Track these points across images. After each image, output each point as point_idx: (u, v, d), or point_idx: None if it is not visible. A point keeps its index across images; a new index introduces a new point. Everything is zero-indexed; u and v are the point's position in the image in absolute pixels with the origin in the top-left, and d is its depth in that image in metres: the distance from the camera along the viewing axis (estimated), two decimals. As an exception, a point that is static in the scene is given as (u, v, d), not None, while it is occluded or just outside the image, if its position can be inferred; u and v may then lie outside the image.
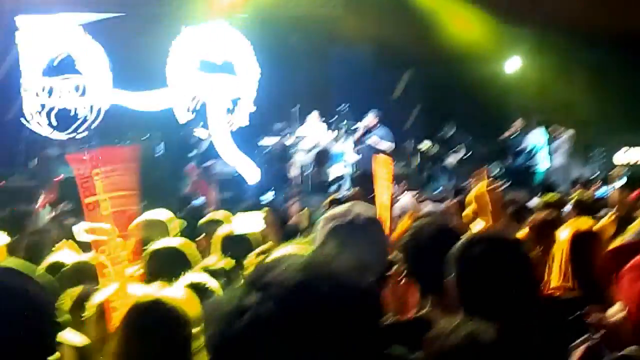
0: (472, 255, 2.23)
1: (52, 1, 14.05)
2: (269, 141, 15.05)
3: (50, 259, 3.95)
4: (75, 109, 12.92)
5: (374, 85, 16.75)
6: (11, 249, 4.89)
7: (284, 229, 4.88)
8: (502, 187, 5.15)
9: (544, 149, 14.72)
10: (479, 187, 5.09)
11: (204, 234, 5.19)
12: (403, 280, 2.55)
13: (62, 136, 12.95)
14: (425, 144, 14.89)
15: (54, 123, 12.79)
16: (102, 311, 2.86)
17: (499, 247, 2.27)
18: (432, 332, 1.80)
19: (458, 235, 3.04)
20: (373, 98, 15.47)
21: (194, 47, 13.63)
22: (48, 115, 12.79)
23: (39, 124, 12.67)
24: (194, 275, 3.11)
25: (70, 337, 2.68)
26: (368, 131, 14.14)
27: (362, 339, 1.16)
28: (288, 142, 14.45)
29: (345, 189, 13.44)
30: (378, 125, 14.13)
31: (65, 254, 4.17)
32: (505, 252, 2.26)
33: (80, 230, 4.46)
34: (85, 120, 12.88)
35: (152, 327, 2.35)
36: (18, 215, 7.30)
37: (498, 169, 14.46)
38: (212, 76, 13.94)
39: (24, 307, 1.68)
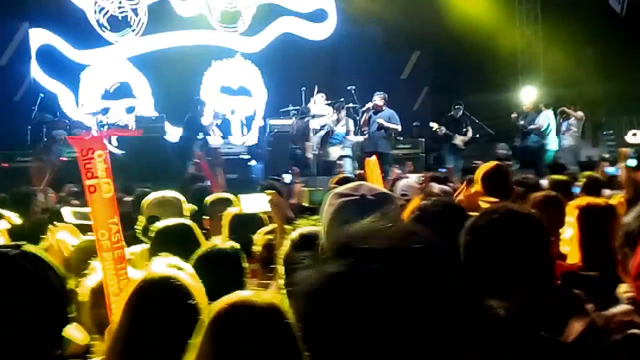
0: (486, 227, 2.16)
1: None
2: (277, 122, 15.00)
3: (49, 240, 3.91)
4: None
5: (382, 66, 16.64)
6: (15, 230, 4.89)
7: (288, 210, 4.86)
8: (511, 167, 5.09)
9: (553, 130, 14.61)
10: (485, 166, 5.02)
11: (207, 216, 5.16)
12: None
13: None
14: (433, 125, 14.79)
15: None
16: (98, 297, 2.81)
17: (513, 219, 2.20)
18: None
19: (465, 213, 2.99)
20: (380, 79, 15.36)
21: (219, 76, 16.40)
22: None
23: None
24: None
25: (74, 333, 2.63)
26: (375, 112, 14.05)
27: (456, 297, 1.17)
28: (303, 124, 14.45)
29: (347, 171, 13.41)
30: (385, 107, 14.04)
31: (64, 236, 4.12)
32: (520, 224, 2.19)
33: (68, 214, 4.43)
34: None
35: (163, 302, 2.32)
36: (22, 196, 7.27)
37: (505, 150, 14.36)
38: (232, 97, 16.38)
39: (42, 296, 1.64)
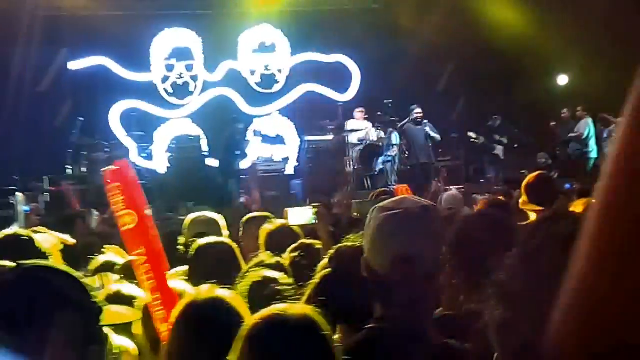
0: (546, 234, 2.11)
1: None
2: (316, 137, 15.04)
3: (99, 259, 3.96)
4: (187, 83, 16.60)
5: (417, 79, 16.60)
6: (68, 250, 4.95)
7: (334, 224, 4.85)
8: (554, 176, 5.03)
9: (593, 137, 14.42)
10: (529, 176, 4.98)
11: (241, 232, 5.15)
12: (451, 273, 2.49)
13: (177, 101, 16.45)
14: (471, 135, 14.71)
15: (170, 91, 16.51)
16: (149, 313, 2.84)
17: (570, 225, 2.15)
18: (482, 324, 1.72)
19: (510, 226, 2.95)
20: (416, 92, 15.33)
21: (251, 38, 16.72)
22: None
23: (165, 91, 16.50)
24: (262, 271, 3.09)
25: (124, 342, 2.66)
26: (415, 124, 14.07)
27: None
28: (341, 139, 14.45)
29: (391, 183, 13.40)
30: (421, 121, 14.09)
31: (112, 256, 4.17)
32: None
33: None
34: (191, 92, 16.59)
35: (212, 323, 2.33)
36: (67, 218, 7.38)
37: (544, 160, 14.20)
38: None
39: (69, 309, 1.63)
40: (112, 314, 1.75)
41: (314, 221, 3.95)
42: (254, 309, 2.46)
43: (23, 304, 1.54)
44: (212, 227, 4.71)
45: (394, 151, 14.35)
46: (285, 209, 4.32)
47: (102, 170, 3.56)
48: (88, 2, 15.27)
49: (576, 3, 15.93)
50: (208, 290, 2.48)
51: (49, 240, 3.71)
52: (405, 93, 15.52)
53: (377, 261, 2.17)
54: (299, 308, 1.99)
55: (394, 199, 2.28)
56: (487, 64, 16.05)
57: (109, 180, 3.20)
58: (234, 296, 2.49)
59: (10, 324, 1.51)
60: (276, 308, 1.98)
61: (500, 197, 6.25)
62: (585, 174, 13.07)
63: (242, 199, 12.20)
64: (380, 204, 2.23)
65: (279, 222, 4.60)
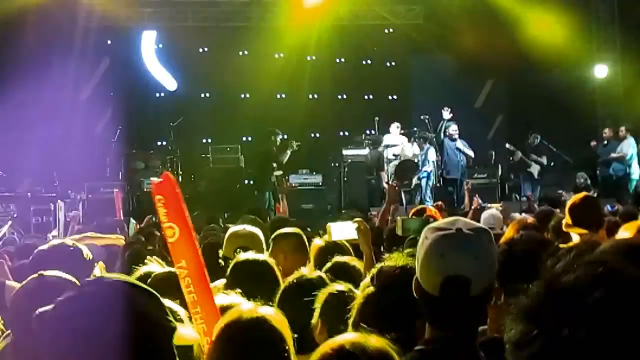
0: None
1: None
2: (350, 152, 15.03)
3: (142, 269, 3.97)
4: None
5: (455, 95, 16.54)
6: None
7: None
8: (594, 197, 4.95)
9: (635, 158, 14.18)
10: (574, 197, 4.90)
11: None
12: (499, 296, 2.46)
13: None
14: (509, 147, 14.64)
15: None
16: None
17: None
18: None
19: (555, 247, 2.91)
20: (454, 108, 15.25)
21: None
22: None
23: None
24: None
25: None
26: (451, 140, 14.06)
27: None
28: (377, 153, 14.43)
29: (426, 200, 13.35)
30: (455, 138, 14.08)
31: (154, 267, 4.18)
32: None
33: None
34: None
35: (256, 344, 2.33)
36: (106, 227, 7.45)
37: (583, 180, 14.00)
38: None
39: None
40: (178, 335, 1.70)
41: (356, 236, 3.92)
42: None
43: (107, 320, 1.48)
44: (252, 241, 4.70)
45: (430, 167, 14.29)
46: (328, 224, 4.28)
47: (145, 180, 3.60)
48: (132, 13, 15.49)
49: (621, 20, 15.78)
50: (251, 309, 2.46)
51: (93, 250, 3.74)
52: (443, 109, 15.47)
53: (429, 282, 2.14)
54: (376, 341, 1.86)
55: (447, 219, 2.27)
56: (527, 81, 15.93)
57: (154, 193, 3.21)
58: (277, 316, 2.47)
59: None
60: (350, 339, 1.89)
61: (535, 218, 6.16)
62: (626, 196, 12.86)
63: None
64: (433, 224, 2.22)
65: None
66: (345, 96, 17.13)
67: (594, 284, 1.14)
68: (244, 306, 2.52)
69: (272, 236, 5.12)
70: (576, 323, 1.10)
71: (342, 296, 2.90)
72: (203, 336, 2.71)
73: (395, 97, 17.32)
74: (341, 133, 16.22)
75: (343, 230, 4.09)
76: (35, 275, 2.83)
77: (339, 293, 2.94)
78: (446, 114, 14.20)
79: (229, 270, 3.77)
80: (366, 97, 17.08)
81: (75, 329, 1.47)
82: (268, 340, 2.34)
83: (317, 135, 16.93)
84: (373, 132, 15.16)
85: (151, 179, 3.60)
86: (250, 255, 3.89)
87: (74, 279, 2.77)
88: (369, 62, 17.14)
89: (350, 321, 2.60)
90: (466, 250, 2.10)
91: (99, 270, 3.56)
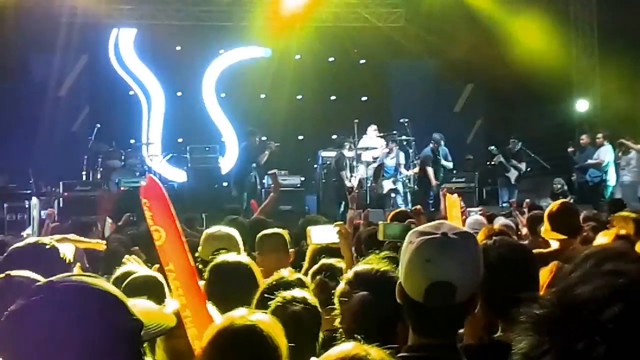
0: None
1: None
2: (328, 153, 15.00)
3: (121, 269, 3.90)
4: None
5: (435, 99, 16.57)
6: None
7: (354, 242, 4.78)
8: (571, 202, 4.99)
9: (612, 164, 14.30)
10: (552, 206, 4.90)
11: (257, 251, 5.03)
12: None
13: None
14: (492, 149, 14.69)
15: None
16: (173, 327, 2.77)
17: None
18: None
19: (531, 255, 2.91)
20: (433, 111, 15.31)
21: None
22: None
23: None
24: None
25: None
26: (432, 150, 14.11)
27: None
28: (348, 154, 14.36)
29: (399, 204, 13.36)
30: (440, 145, 14.10)
31: (135, 266, 4.11)
32: None
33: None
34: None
35: (247, 352, 2.29)
36: (82, 225, 7.38)
37: (560, 186, 14.08)
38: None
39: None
40: (145, 312, 1.64)
41: (336, 240, 3.89)
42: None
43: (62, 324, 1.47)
44: (229, 243, 4.64)
45: (407, 172, 14.31)
46: (308, 227, 4.23)
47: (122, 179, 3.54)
48: (111, 11, 15.35)
49: (600, 27, 15.90)
50: (243, 316, 2.41)
51: (70, 249, 3.65)
52: (422, 112, 15.49)
53: (413, 287, 2.10)
54: (376, 354, 1.83)
55: (432, 223, 2.22)
56: (507, 86, 16.01)
57: (142, 196, 3.17)
58: (271, 322, 2.42)
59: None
60: (349, 350, 1.85)
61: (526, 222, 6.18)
62: (602, 202, 12.95)
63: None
64: (418, 228, 2.18)
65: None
66: (329, 97, 17.13)
67: (613, 297, 1.08)
68: (237, 313, 2.45)
69: (259, 236, 5.09)
70: (592, 338, 1.05)
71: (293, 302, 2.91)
72: (194, 340, 2.67)
73: (374, 99, 17.32)
74: (322, 135, 16.15)
75: (323, 234, 4.05)
76: (2, 275, 2.75)
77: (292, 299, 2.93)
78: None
79: (207, 272, 3.71)
80: (345, 99, 17.06)
81: (33, 334, 1.46)
82: (260, 349, 2.29)
83: (299, 136, 16.88)
84: (351, 135, 15.12)
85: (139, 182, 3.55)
86: (231, 256, 3.84)
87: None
88: (349, 63, 17.11)
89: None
90: (452, 255, 2.06)
91: (76, 271, 3.47)
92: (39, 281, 2.64)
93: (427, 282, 2.05)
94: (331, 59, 17.06)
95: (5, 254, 3.54)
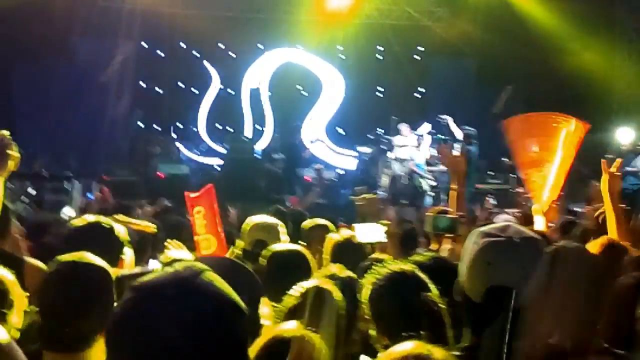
0: None
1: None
2: (366, 149, 15.03)
3: (169, 254, 3.93)
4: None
5: (474, 100, 16.48)
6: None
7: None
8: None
9: (651, 172, 14.10)
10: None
11: (304, 242, 5.06)
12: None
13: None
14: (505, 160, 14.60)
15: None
16: None
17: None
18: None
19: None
20: (473, 112, 15.21)
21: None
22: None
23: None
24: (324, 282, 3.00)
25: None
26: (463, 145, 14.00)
27: None
28: (385, 151, 14.39)
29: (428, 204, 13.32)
30: (472, 142, 13.98)
31: (180, 252, 4.16)
32: None
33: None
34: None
35: None
36: (123, 208, 7.46)
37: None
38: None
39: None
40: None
41: (383, 239, 3.90)
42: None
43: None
44: (271, 233, 4.68)
45: (442, 169, 14.26)
46: (353, 225, 4.24)
47: (160, 165, 3.60)
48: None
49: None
50: (296, 329, 2.35)
51: (123, 230, 3.70)
52: (460, 111, 15.42)
53: (474, 288, 2.13)
54: (439, 354, 1.80)
55: (497, 225, 2.23)
56: (547, 88, 15.86)
57: (192, 204, 3.22)
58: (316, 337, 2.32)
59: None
60: (412, 350, 1.82)
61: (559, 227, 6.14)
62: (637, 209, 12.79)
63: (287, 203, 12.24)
64: (484, 229, 2.20)
65: (346, 233, 4.56)
66: (373, 93, 17.13)
67: None
68: (288, 324, 2.39)
69: (307, 227, 5.14)
70: None
71: None
72: None
73: (412, 96, 17.30)
74: (362, 130, 16.17)
75: (369, 232, 4.04)
76: (70, 258, 2.65)
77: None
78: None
79: (266, 260, 3.70)
80: (387, 95, 17.08)
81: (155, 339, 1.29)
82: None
83: (340, 131, 16.92)
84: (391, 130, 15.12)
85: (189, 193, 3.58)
86: (285, 246, 3.88)
87: (108, 266, 2.67)
88: (392, 59, 17.09)
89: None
90: (514, 259, 2.08)
91: (130, 254, 3.53)
92: (108, 274, 2.61)
93: (487, 284, 2.08)
94: (375, 55, 17.05)
95: (66, 234, 3.59)
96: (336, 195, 14.23)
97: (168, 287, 1.33)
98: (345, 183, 14.94)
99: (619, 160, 4.63)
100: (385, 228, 3.86)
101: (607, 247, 3.51)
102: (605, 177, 4.48)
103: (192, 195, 3.41)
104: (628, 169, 14.20)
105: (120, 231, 3.51)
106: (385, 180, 14.35)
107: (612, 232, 4.31)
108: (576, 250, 2.76)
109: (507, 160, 15.63)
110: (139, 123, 14.70)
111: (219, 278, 1.38)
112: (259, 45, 16.47)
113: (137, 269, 2.99)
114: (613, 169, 4.48)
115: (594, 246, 3.55)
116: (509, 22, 15.53)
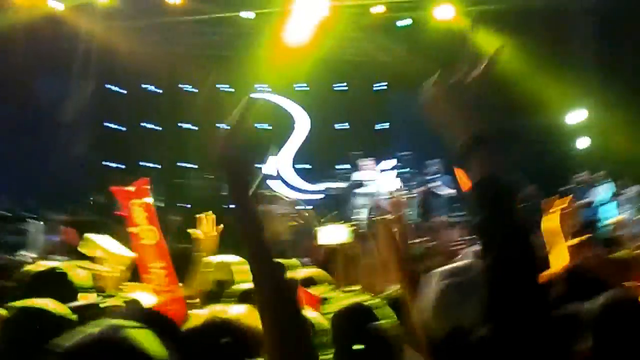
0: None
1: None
2: (329, 185, 15.07)
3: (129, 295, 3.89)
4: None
5: (436, 133, 16.63)
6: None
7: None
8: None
9: (610, 202, 14.35)
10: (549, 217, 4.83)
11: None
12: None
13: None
14: None
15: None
16: None
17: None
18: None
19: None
20: (436, 145, 15.36)
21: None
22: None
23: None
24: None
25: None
26: (432, 178, 14.15)
27: None
28: (352, 187, 14.43)
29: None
30: (440, 174, 14.13)
31: (139, 293, 4.09)
32: None
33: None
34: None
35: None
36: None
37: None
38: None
39: None
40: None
41: (346, 239, 3.80)
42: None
43: None
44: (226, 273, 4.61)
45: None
46: (316, 228, 4.17)
47: (113, 189, 3.60)
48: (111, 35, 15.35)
49: (603, 64, 16.02)
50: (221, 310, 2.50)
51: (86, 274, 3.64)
52: (422, 143, 15.53)
53: (435, 328, 2.12)
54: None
55: (459, 264, 2.22)
56: (504, 123, 16.06)
57: (129, 197, 3.24)
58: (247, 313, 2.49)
59: None
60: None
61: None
62: (597, 241, 12.94)
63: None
64: (445, 269, 2.18)
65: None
66: (333, 127, 17.22)
67: None
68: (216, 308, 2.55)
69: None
70: None
71: None
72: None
73: (374, 130, 17.43)
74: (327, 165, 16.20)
75: (332, 234, 3.94)
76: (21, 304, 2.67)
77: None
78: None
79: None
80: (349, 129, 17.19)
81: None
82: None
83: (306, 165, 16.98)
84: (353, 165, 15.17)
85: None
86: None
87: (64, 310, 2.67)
88: (353, 93, 17.24)
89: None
90: (474, 301, 2.05)
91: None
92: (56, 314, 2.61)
93: (450, 325, 2.06)
94: (336, 90, 17.17)
95: (20, 279, 3.54)
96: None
97: (91, 349, 1.38)
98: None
99: (568, 197, 4.65)
100: (351, 228, 3.79)
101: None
102: (555, 215, 4.49)
103: (127, 188, 3.41)
104: (587, 199, 14.43)
105: (79, 276, 3.46)
106: (362, 213, 14.35)
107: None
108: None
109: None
110: (102, 162, 14.54)
111: (143, 334, 1.42)
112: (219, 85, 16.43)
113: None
114: (564, 206, 4.49)
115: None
116: (467, 54, 15.76)
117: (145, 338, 1.39)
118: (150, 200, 3.32)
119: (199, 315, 2.52)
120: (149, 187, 3.38)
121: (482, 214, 1.57)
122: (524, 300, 1.54)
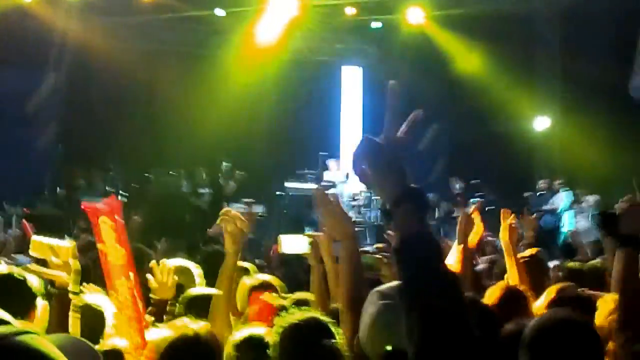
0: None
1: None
2: (294, 185, 15.09)
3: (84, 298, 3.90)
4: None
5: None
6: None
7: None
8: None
9: (568, 211, 14.56)
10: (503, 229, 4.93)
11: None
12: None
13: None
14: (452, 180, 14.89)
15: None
16: None
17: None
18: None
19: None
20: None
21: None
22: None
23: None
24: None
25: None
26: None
27: None
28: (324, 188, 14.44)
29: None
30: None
31: (95, 297, 4.09)
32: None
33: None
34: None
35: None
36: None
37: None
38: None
39: None
40: None
41: (307, 250, 3.85)
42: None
43: None
44: (188, 276, 4.65)
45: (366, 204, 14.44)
46: (279, 235, 4.18)
47: (84, 205, 3.56)
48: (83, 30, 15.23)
49: (566, 72, 16.21)
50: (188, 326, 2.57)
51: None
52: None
53: (372, 350, 2.14)
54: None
55: (393, 284, 2.22)
56: (470, 126, 16.23)
57: (97, 215, 3.25)
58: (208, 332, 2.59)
59: None
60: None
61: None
62: (553, 248, 13.16)
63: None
64: (381, 289, 2.19)
65: (260, 277, 4.54)
66: (295, 129, 17.20)
67: None
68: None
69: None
70: None
71: None
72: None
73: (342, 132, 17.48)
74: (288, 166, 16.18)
75: (294, 244, 3.98)
76: None
77: None
78: None
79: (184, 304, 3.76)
80: (313, 131, 17.20)
81: None
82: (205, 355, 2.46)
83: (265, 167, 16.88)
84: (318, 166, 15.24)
85: (89, 201, 3.61)
86: (203, 289, 3.91)
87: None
88: (319, 94, 17.26)
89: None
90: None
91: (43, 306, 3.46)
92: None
93: (383, 348, 2.05)
94: (305, 91, 17.18)
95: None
96: (265, 230, 14.22)
97: None
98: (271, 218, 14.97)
99: (510, 213, 4.78)
100: (310, 239, 3.81)
101: (506, 292, 3.64)
102: (505, 226, 4.65)
103: (97, 205, 3.42)
104: (545, 207, 14.64)
105: (34, 282, 3.44)
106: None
107: (514, 279, 4.47)
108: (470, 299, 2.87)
109: (435, 196, 15.97)
110: (63, 155, 14.36)
111: (40, 340, 1.32)
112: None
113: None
114: (510, 221, 4.64)
115: (494, 291, 3.66)
116: (435, 62, 15.93)
117: (40, 342, 1.35)
118: (120, 220, 3.31)
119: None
120: (119, 204, 3.38)
121: (405, 276, 1.60)
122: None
